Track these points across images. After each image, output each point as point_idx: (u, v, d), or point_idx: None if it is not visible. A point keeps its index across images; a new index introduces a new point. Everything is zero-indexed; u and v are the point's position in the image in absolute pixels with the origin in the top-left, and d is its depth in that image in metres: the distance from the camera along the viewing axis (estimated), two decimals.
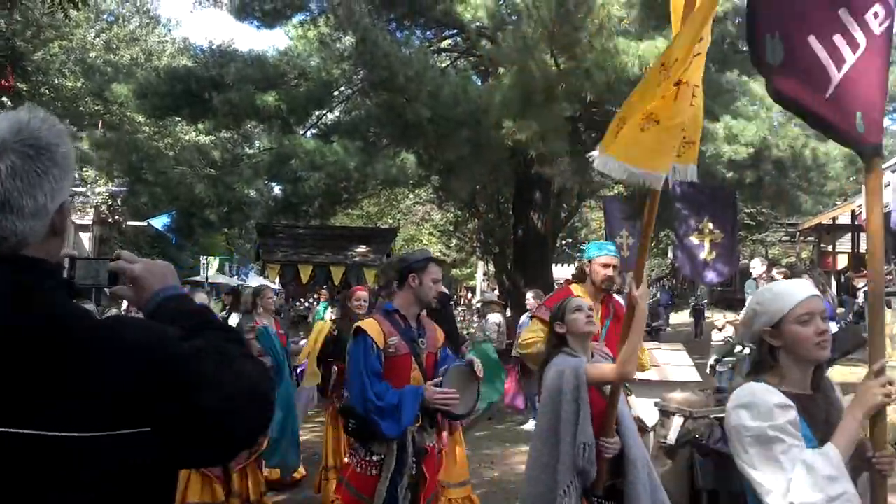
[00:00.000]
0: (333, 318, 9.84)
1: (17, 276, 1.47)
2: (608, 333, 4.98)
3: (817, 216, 26.40)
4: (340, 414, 4.95)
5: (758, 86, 14.52)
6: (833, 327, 9.50)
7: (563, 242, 33.66)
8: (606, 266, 5.10)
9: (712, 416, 5.72)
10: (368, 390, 4.26)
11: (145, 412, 1.40)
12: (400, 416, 4.24)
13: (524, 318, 11.71)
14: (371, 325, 4.43)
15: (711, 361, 9.59)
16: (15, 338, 1.38)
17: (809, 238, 30.64)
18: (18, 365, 1.36)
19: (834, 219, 26.96)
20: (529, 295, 11.60)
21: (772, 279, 10.83)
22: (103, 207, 28.76)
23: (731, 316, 11.03)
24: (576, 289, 5.15)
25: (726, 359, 9.97)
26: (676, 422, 5.47)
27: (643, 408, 6.36)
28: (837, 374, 10.48)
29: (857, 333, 9.14)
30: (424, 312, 4.68)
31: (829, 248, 28.50)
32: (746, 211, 25.93)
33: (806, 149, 13.90)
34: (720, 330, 10.07)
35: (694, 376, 8.30)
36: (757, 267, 12.34)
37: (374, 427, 4.26)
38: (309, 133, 16.91)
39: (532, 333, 5.10)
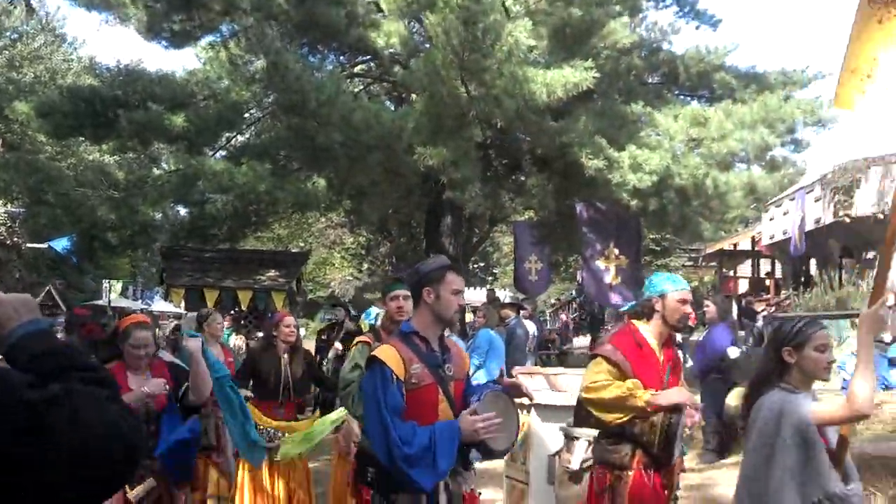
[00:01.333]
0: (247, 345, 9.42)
1: None
2: (668, 383, 4.39)
3: (719, 242, 27.29)
4: (355, 460, 4.06)
5: (661, 116, 14.99)
6: (735, 352, 9.79)
7: (475, 266, 33.90)
8: (684, 302, 4.44)
9: None
10: (392, 433, 3.52)
11: None
12: (434, 461, 3.53)
13: None
14: (388, 353, 3.68)
15: None
16: None
17: (712, 263, 31.61)
18: None
19: (735, 245, 27.92)
20: None
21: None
22: (1, 229, 27.72)
23: None
24: (639, 324, 4.52)
25: None
26: (581, 446, 5.48)
27: (548, 432, 6.41)
28: (738, 397, 10.79)
29: (758, 358, 9.42)
30: (446, 333, 4.02)
31: (731, 272, 29.46)
32: (651, 237, 26.59)
33: (707, 178, 14.34)
34: None
35: None
36: None
37: (403, 479, 3.54)
38: (218, 155, 16.66)
39: (598, 375, 4.34)
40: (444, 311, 3.79)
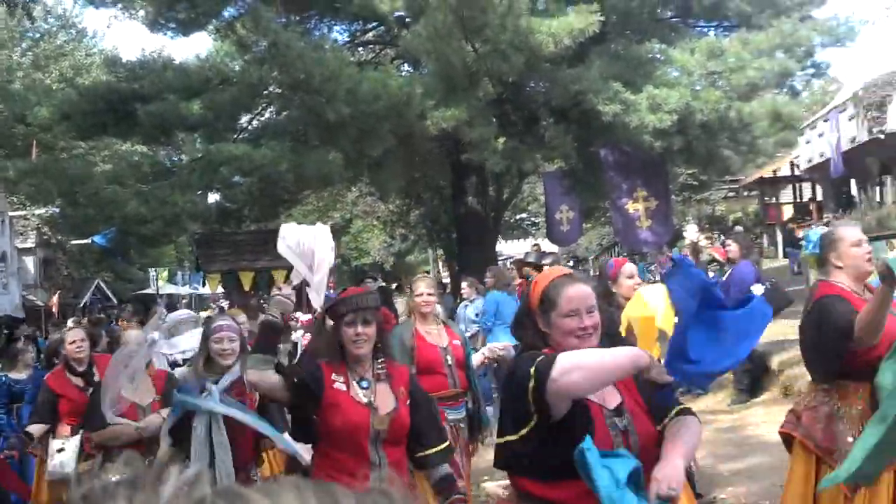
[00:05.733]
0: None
1: None
2: None
3: (758, 169, 26.70)
4: None
5: (677, 52, 14.64)
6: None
7: (515, 219, 33.71)
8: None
9: None
10: None
11: None
12: None
13: (461, 308, 11.40)
14: None
15: None
16: None
17: (753, 193, 30.99)
18: None
19: (775, 171, 27.33)
20: (464, 284, 11.50)
21: (695, 245, 10.92)
22: (45, 228, 28.27)
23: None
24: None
25: None
26: None
27: None
28: (770, 332, 10.62)
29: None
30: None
31: (773, 200, 28.88)
32: (688, 172, 26.17)
33: (730, 110, 14.06)
34: None
35: None
36: (691, 232, 12.59)
37: None
38: (242, 137, 16.69)
39: None
40: None
